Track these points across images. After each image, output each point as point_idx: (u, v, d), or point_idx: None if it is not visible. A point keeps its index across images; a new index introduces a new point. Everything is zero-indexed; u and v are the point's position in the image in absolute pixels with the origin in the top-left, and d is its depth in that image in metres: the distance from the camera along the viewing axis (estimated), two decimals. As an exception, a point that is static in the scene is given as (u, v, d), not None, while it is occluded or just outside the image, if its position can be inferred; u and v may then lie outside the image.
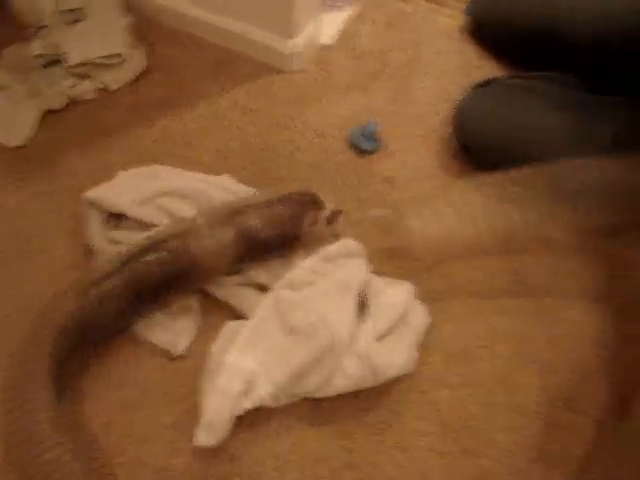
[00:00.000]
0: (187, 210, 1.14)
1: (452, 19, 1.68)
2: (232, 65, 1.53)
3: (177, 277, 1.07)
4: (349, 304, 1.04)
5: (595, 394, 1.11)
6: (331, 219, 1.13)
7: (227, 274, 1.14)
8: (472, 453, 1.04)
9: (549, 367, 1.13)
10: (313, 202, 1.14)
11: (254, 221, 1.09)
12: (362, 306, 1.07)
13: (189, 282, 1.11)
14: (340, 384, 1.00)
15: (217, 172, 1.29)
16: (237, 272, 1.14)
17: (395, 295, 1.07)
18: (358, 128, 1.36)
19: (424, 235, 1.12)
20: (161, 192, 1.18)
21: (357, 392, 1.05)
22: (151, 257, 1.04)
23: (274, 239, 1.11)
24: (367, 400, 1.07)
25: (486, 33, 1.59)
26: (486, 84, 1.32)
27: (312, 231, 1.13)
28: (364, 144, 1.35)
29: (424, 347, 1.13)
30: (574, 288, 1.22)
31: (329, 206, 1.14)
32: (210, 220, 1.08)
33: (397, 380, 1.08)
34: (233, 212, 1.09)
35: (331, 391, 1.01)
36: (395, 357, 1.02)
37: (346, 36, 1.59)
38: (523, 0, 1.47)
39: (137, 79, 1.52)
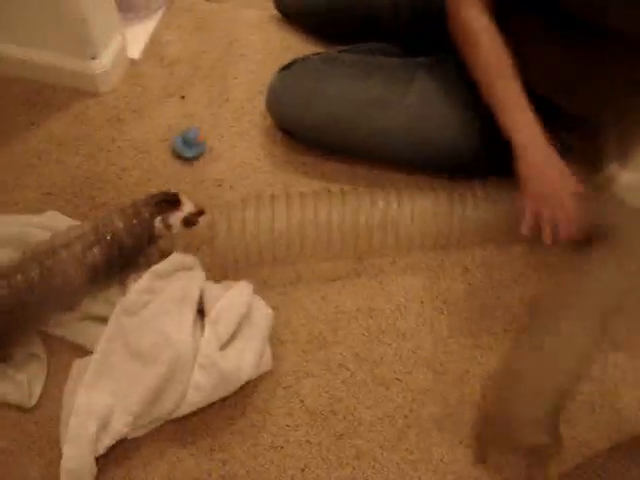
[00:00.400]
0: (9, 257, 1.09)
1: (261, 10, 1.69)
2: (43, 98, 1.47)
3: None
4: (188, 317, 1.03)
5: (451, 352, 1.16)
6: (190, 221, 1.10)
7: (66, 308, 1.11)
8: (345, 436, 1.06)
9: (400, 333, 1.17)
10: (168, 201, 1.10)
11: (116, 225, 1.06)
12: (202, 315, 1.07)
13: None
14: (195, 399, 0.99)
15: (42, 210, 1.25)
16: (75, 308, 1.11)
17: (233, 297, 1.06)
18: (179, 137, 1.35)
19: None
20: (-20, 244, 1.14)
21: (223, 401, 1.05)
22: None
23: (122, 254, 1.07)
24: (234, 407, 1.07)
25: (294, 17, 1.61)
26: (289, 65, 1.33)
27: (166, 236, 1.11)
28: (187, 152, 1.34)
29: (279, 341, 1.14)
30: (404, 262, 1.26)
31: (186, 205, 1.11)
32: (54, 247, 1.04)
33: (260, 379, 1.09)
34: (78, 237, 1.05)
35: (187, 408, 1.00)
36: (245, 359, 1.02)
37: (154, 46, 1.56)
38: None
39: (-56, 129, 1.44)
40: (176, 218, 1.09)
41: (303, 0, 1.55)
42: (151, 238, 1.09)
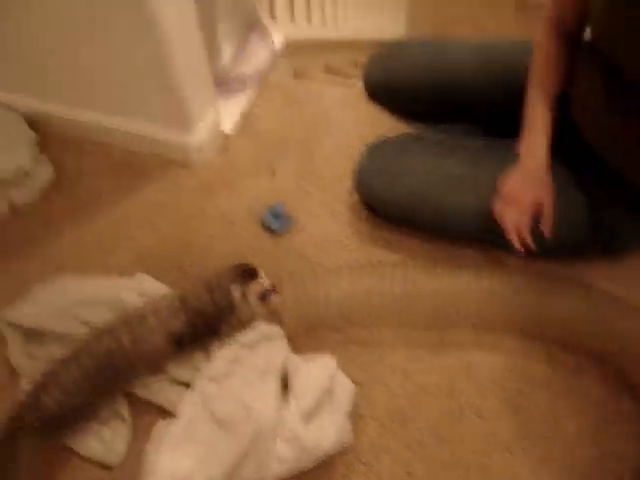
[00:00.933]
0: (102, 317, 1.13)
1: (348, 88, 1.74)
2: (138, 165, 1.55)
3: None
4: (272, 388, 1.04)
5: (532, 435, 1.13)
6: (264, 296, 1.13)
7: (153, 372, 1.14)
8: (420, 516, 1.04)
9: (481, 415, 1.15)
10: (248, 273, 1.14)
11: (200, 294, 1.11)
12: (286, 387, 1.08)
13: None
14: (276, 470, 0.99)
15: (133, 273, 1.30)
16: (161, 371, 1.13)
17: (317, 371, 1.07)
18: (268, 210, 1.38)
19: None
20: (75, 303, 1.18)
21: (303, 473, 1.04)
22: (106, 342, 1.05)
23: (206, 329, 1.11)
24: (312, 480, 1.07)
25: (381, 96, 1.65)
26: (377, 144, 1.37)
27: (245, 306, 1.13)
28: (275, 225, 1.37)
29: (359, 416, 1.13)
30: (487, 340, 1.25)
31: (263, 281, 1.14)
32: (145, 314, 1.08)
33: (339, 454, 1.08)
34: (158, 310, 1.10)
35: (269, 478, 0.99)
36: (326, 433, 1.02)
37: (246, 121, 1.63)
38: (412, 63, 1.52)
39: (47, 191, 1.52)
40: (253, 291, 1.12)
41: (390, 81, 1.59)
42: (231, 307, 1.12)
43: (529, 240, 1.17)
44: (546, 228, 1.18)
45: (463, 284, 1.17)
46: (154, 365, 1.12)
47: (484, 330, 1.24)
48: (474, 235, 1.34)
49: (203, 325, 1.10)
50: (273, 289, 1.13)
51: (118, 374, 1.07)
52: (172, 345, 1.09)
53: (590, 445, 1.12)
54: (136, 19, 1.19)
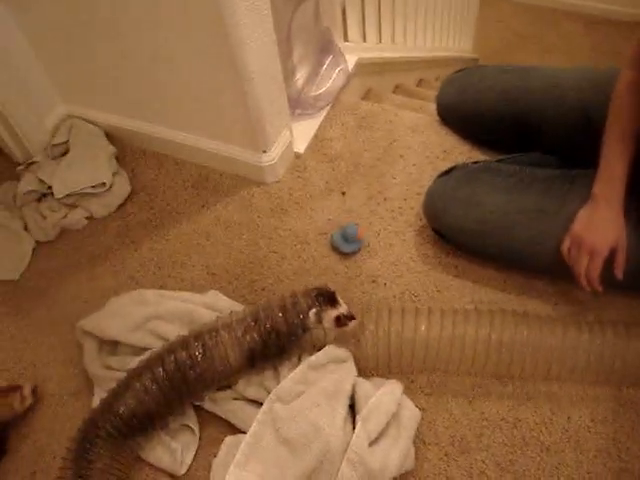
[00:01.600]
0: (176, 331, 1.16)
1: (420, 112, 1.76)
2: (212, 182, 1.59)
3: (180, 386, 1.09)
4: (340, 411, 1.06)
5: (596, 472, 1.12)
6: (341, 322, 1.13)
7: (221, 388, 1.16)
8: None
9: (544, 447, 1.14)
10: (327, 297, 1.14)
11: (275, 312, 1.12)
12: (353, 411, 1.09)
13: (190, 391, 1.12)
14: (341, 492, 1.01)
15: (205, 288, 1.34)
16: (228, 387, 1.16)
17: (384, 395, 1.08)
18: (338, 232, 1.40)
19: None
20: (150, 316, 1.22)
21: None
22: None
23: (277, 349, 1.13)
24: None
25: (454, 120, 1.66)
26: (449, 171, 1.38)
27: (318, 330, 1.14)
28: (345, 247, 1.39)
29: (422, 442, 1.14)
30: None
31: (341, 307, 1.14)
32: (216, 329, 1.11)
33: (401, 478, 1.09)
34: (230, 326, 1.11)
35: (331, 499, 1.01)
36: (391, 458, 1.03)
37: (318, 142, 1.65)
38: (488, 89, 1.53)
39: (123, 204, 1.58)
40: (329, 316, 1.12)
41: (463, 105, 1.60)
42: (305, 328, 1.13)
43: (597, 284, 1.17)
44: (619, 271, 1.17)
45: (553, 340, 1.14)
46: (224, 380, 1.14)
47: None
48: (544, 271, 1.34)
49: (274, 344, 1.11)
50: (350, 316, 1.13)
51: (189, 387, 1.09)
52: (242, 361, 1.10)
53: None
54: (217, 42, 1.23)
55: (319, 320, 1.12)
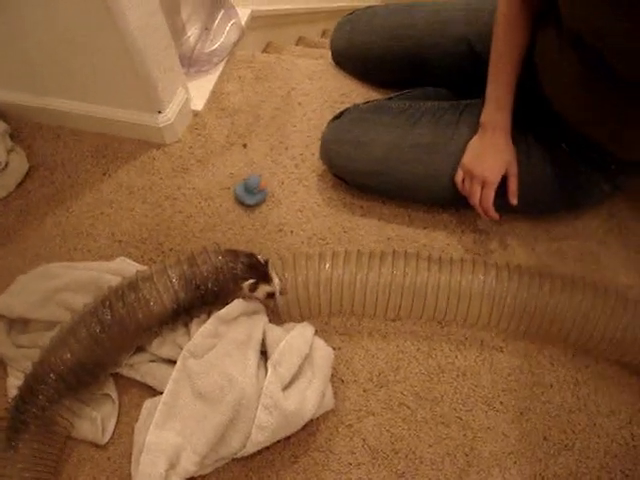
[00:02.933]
0: (84, 301, 1.14)
1: (319, 59, 1.75)
2: (111, 149, 1.56)
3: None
4: (250, 358, 1.06)
5: (511, 388, 1.16)
6: (272, 297, 1.14)
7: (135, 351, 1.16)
8: (406, 474, 1.07)
9: (460, 372, 1.18)
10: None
11: (203, 269, 1.10)
12: (265, 357, 1.10)
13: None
14: (259, 438, 1.01)
15: (113, 256, 1.32)
16: (143, 349, 1.16)
17: (295, 338, 1.09)
18: (241, 185, 1.39)
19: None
20: (57, 289, 1.20)
21: (286, 440, 1.09)
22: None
23: (215, 292, 1.11)
24: (297, 446, 1.10)
25: (348, 64, 1.67)
26: (340, 115, 1.38)
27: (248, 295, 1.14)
28: (249, 199, 1.38)
29: (340, 380, 1.16)
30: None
31: (275, 285, 1.13)
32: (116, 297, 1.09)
33: (322, 418, 1.12)
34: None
35: (252, 447, 1.02)
36: (308, 399, 1.04)
37: (216, 97, 1.63)
38: (376, 30, 1.53)
39: (22, 182, 1.53)
40: (262, 291, 1.13)
41: (354, 47, 1.60)
42: (232, 293, 1.13)
43: (492, 213, 1.20)
44: (513, 198, 1.20)
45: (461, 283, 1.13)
46: (142, 339, 1.14)
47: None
48: (444, 202, 1.36)
49: (201, 300, 1.11)
50: (283, 291, 1.13)
51: (104, 350, 1.08)
52: (169, 313, 1.10)
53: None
54: (96, 5, 1.19)
55: (252, 290, 1.12)
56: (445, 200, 1.34)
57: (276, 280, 1.12)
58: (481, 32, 1.31)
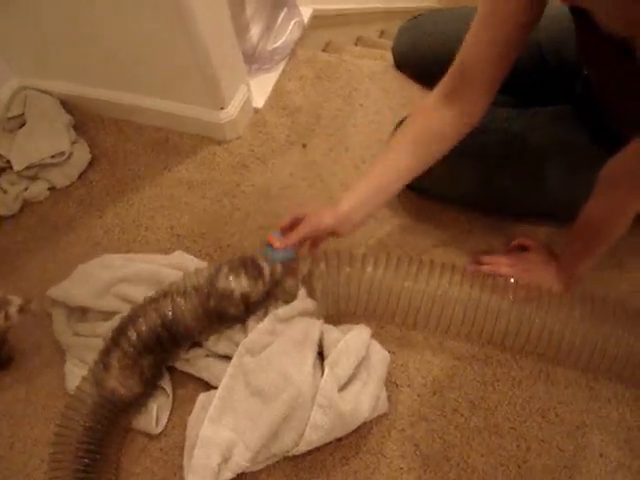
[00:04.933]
0: (143, 293, 1.16)
1: (380, 60, 1.74)
2: (172, 144, 1.58)
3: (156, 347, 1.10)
4: (307, 358, 1.06)
5: (567, 401, 1.14)
6: (303, 280, 1.14)
7: (192, 346, 1.17)
8: (456, 483, 1.06)
9: (516, 382, 1.16)
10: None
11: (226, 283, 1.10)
12: (322, 357, 1.10)
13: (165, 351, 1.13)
14: (313, 438, 1.01)
15: (171, 250, 1.33)
16: (200, 344, 1.16)
17: (352, 339, 1.09)
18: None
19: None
20: (116, 280, 1.21)
21: (338, 441, 1.08)
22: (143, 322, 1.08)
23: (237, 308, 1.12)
24: (349, 448, 1.09)
25: (409, 67, 1.66)
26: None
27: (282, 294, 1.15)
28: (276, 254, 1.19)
29: (394, 385, 1.16)
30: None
31: (301, 270, 1.14)
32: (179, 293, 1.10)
33: (375, 421, 1.11)
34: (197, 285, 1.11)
35: (305, 446, 1.02)
36: (362, 401, 1.04)
37: (277, 96, 1.64)
38: (441, 34, 1.51)
39: (84, 172, 1.56)
40: (291, 281, 1.14)
41: (417, 52, 1.59)
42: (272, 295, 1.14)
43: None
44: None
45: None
46: (195, 337, 1.15)
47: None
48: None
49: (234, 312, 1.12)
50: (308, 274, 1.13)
51: (162, 346, 1.10)
52: (210, 321, 1.11)
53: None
54: (166, 2, 1.21)
55: (282, 286, 1.14)
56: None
57: (302, 266, 1.14)
58: (552, 37, 1.29)
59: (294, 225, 1.12)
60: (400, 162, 1.11)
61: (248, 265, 1.11)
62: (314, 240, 1.18)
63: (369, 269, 1.13)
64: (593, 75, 1.14)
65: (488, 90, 1.05)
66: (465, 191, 1.31)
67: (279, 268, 1.12)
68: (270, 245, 1.18)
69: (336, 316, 1.18)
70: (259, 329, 1.10)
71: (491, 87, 1.05)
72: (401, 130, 1.14)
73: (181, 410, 1.16)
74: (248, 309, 1.12)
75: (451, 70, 1.06)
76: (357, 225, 1.13)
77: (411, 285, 1.11)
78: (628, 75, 0.94)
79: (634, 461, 1.07)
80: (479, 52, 1.02)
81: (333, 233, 1.13)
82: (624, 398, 1.14)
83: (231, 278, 1.09)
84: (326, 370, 1.04)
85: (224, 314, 1.10)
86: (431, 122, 1.09)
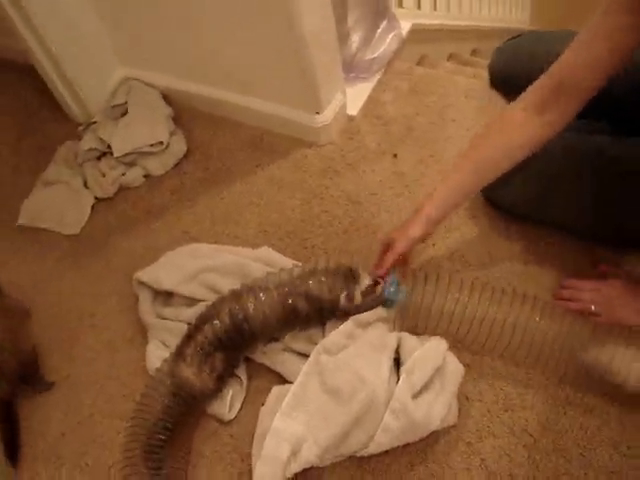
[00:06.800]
0: (229, 284, 1.20)
1: (474, 78, 1.75)
2: (266, 143, 1.62)
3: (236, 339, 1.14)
4: (384, 362, 1.08)
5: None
6: (366, 293, 1.15)
7: (270, 340, 1.20)
8: (520, 503, 1.06)
9: (588, 409, 1.15)
10: (351, 277, 1.16)
11: (297, 297, 1.13)
12: (397, 364, 1.11)
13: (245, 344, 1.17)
14: (382, 440, 1.03)
15: (258, 245, 1.36)
16: (278, 339, 1.20)
17: (429, 350, 1.10)
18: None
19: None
20: (203, 269, 1.26)
21: (405, 447, 1.09)
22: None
23: (313, 313, 1.15)
24: (415, 455, 1.10)
25: (505, 87, 1.65)
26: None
27: (348, 305, 1.15)
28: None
29: (465, 398, 1.16)
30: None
31: (364, 280, 1.15)
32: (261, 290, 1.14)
33: (444, 432, 1.12)
34: (280, 284, 1.15)
35: (374, 448, 1.04)
36: (435, 410, 1.05)
37: (371, 105, 1.66)
38: (541, 55, 1.50)
39: (179, 163, 1.62)
40: (357, 292, 1.14)
41: (514, 72, 1.58)
42: (334, 308, 1.15)
43: None
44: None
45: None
46: (272, 334, 1.19)
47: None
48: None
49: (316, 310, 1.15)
50: (375, 282, 1.15)
51: (243, 338, 1.14)
52: (286, 320, 1.15)
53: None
54: (274, 4, 1.25)
55: (350, 300, 1.14)
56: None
57: (364, 275, 1.15)
58: None
59: (386, 252, 1.18)
60: (483, 172, 1.16)
61: (342, 273, 1.15)
62: (404, 256, 1.21)
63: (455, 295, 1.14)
64: None
65: (586, 94, 1.05)
66: (565, 216, 1.31)
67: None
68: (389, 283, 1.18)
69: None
70: (338, 331, 1.13)
71: (589, 92, 1.05)
72: (488, 141, 1.16)
73: (254, 400, 1.19)
74: (331, 314, 1.16)
75: (544, 80, 1.09)
76: (439, 223, 1.20)
77: (493, 313, 1.11)
78: None
79: None
80: (582, 61, 1.03)
81: (422, 240, 1.19)
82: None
83: (324, 280, 1.14)
84: (402, 376, 1.06)
85: (303, 314, 1.14)
86: (520, 133, 1.12)
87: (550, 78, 1.08)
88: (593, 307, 1.18)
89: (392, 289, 1.14)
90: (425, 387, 1.08)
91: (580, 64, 1.04)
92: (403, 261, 1.22)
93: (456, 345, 1.19)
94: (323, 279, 1.14)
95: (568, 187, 1.27)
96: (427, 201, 1.16)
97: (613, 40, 0.99)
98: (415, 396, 1.06)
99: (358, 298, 1.14)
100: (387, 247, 1.18)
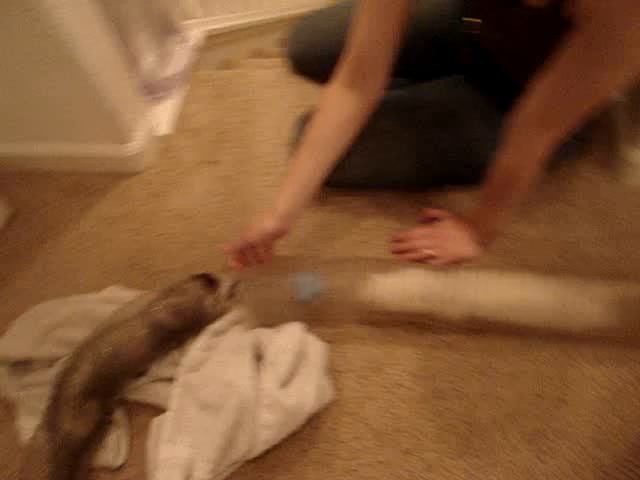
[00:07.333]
0: (81, 334, 1.17)
1: (274, 68, 1.78)
2: (85, 185, 1.60)
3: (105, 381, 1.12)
4: (246, 362, 1.09)
5: (498, 355, 1.20)
6: (231, 292, 1.18)
7: (137, 376, 1.19)
8: (412, 451, 1.10)
9: (448, 344, 1.22)
10: (210, 283, 1.19)
11: (161, 315, 1.14)
12: (260, 359, 1.13)
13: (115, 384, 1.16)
14: (267, 437, 1.05)
15: (104, 287, 1.34)
16: (143, 373, 1.19)
17: (286, 337, 1.13)
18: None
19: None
20: (52, 326, 1.22)
21: (294, 435, 1.10)
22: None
23: (182, 327, 1.16)
24: (305, 440, 1.12)
25: (304, 69, 1.68)
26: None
27: (216, 309, 1.18)
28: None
29: (337, 372, 1.19)
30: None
31: (225, 282, 1.18)
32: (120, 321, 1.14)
33: (325, 410, 1.14)
34: (141, 312, 1.15)
35: (262, 446, 1.05)
36: (306, 393, 1.07)
37: (182, 120, 1.67)
38: (335, 29, 1.53)
39: (7, 226, 1.57)
40: (221, 295, 1.18)
41: (309, 52, 1.61)
42: (203, 317, 1.18)
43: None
44: None
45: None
46: (137, 369, 1.18)
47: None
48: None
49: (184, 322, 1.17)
50: (235, 283, 1.18)
51: (109, 382, 1.13)
52: (147, 352, 1.15)
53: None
54: (46, 49, 1.23)
55: (215, 304, 1.17)
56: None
57: (225, 278, 1.19)
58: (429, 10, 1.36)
59: (245, 248, 1.21)
60: (320, 153, 1.19)
61: (200, 282, 1.18)
62: (266, 251, 1.23)
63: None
64: (485, 31, 1.21)
65: (386, 67, 1.13)
66: (399, 172, 1.37)
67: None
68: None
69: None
70: (196, 346, 1.13)
71: (388, 64, 1.13)
72: (314, 124, 1.19)
73: (141, 438, 1.17)
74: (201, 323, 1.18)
75: (346, 57, 1.14)
76: (296, 220, 1.21)
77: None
78: (516, 18, 1.04)
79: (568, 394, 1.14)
80: (370, 38, 1.09)
81: (278, 236, 1.20)
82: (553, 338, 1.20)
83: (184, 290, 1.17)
84: (267, 370, 1.08)
85: (173, 329, 1.15)
86: (340, 110, 1.17)
87: (350, 55, 1.13)
88: (428, 251, 1.25)
89: (308, 289, 1.18)
90: (292, 374, 1.10)
91: (369, 42, 1.10)
92: (267, 257, 1.24)
93: (313, 331, 1.22)
94: (183, 291, 1.15)
95: (391, 144, 1.33)
96: (277, 195, 1.19)
97: (385, 9, 1.05)
98: (284, 385, 1.08)
99: (223, 300, 1.17)
100: (246, 243, 1.20)
